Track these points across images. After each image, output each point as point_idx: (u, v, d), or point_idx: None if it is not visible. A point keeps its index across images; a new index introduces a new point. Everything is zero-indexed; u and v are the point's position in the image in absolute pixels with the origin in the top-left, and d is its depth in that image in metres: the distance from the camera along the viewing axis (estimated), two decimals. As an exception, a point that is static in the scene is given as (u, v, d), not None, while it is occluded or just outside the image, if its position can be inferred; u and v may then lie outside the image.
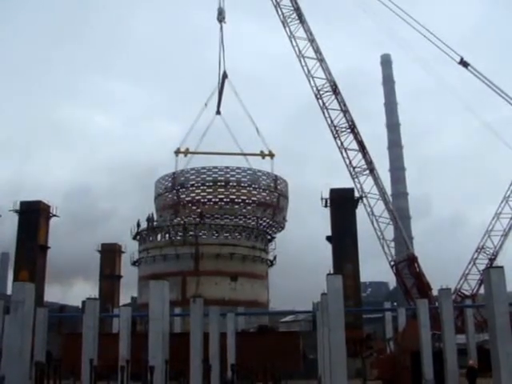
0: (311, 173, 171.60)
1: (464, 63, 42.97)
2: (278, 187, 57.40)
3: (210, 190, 54.73)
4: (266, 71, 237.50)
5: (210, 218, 53.38)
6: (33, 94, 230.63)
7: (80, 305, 60.87)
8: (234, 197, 54.63)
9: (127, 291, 70.24)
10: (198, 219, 53.31)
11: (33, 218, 47.88)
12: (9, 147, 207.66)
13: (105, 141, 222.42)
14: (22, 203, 48.53)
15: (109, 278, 61.69)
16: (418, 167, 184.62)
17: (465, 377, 22.36)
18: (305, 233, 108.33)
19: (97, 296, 28.40)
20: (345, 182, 46.16)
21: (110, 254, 62.63)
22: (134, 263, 54.68)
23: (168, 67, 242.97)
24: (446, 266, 69.96)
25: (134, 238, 54.73)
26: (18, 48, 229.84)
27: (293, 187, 60.96)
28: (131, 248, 56.74)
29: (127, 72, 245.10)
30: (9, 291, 64.46)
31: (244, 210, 55.18)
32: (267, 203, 56.08)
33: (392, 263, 45.14)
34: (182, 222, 54.21)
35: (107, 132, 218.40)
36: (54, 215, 50.72)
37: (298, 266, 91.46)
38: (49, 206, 50.08)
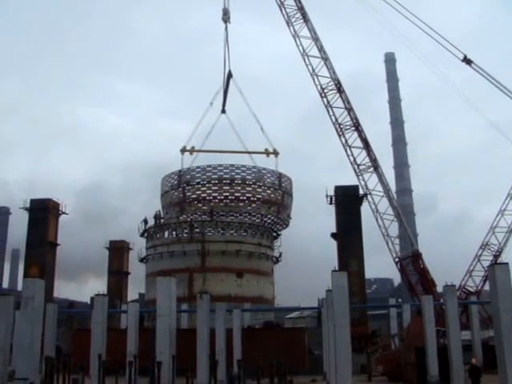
0: (317, 171, 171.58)
1: (467, 60, 42.91)
2: (283, 185, 57.63)
3: (216, 188, 55.04)
4: (272, 71, 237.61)
5: (216, 216, 53.76)
6: (44, 94, 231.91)
7: (89, 301, 61.58)
8: (239, 194, 54.91)
9: (135, 287, 70.87)
10: (206, 216, 53.79)
11: (42, 215, 48.40)
12: (24, 147, 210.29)
13: (116, 140, 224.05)
14: (32, 201, 49.06)
15: (117, 274, 62.18)
16: (424, 165, 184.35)
17: (467, 375, 21.89)
18: (310, 230, 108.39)
19: (105, 292, 28.75)
20: (350, 180, 46.35)
21: (118, 250, 63.12)
22: (141, 260, 55.18)
23: (177, 67, 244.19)
24: (451, 262, 69.95)
25: (142, 236, 55.24)
26: (30, 49, 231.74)
27: (299, 185, 61.18)
28: (139, 245, 57.30)
29: (136, 72, 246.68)
30: (19, 287, 65.24)
31: (249, 208, 55.46)
32: (272, 201, 56.33)
33: (396, 260, 45.27)
34: (188, 219, 54.64)
35: (118, 131, 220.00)
36: (64, 213, 51.23)
37: (304, 262, 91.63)
38: (58, 204, 50.59)
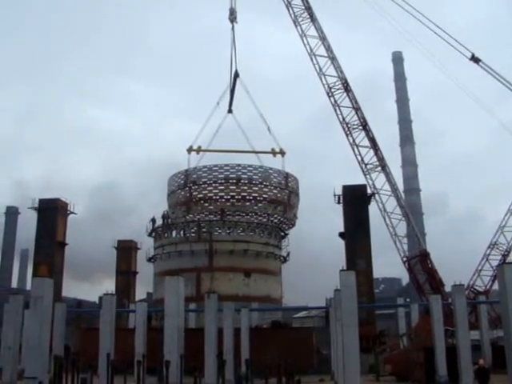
0: (325, 170, 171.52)
1: (475, 59, 42.51)
2: (289, 184, 57.53)
3: (222, 188, 55.06)
4: (281, 71, 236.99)
5: (222, 215, 53.82)
6: (56, 96, 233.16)
7: (97, 300, 61.91)
8: (245, 194, 54.83)
9: (143, 287, 71.01)
10: (213, 216, 53.86)
11: (51, 215, 48.54)
12: (39, 149, 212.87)
13: (127, 141, 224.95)
14: (41, 201, 49.11)
15: (125, 273, 62.38)
16: (434, 164, 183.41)
17: (474, 377, 21.01)
18: (318, 229, 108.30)
19: (113, 292, 28.83)
20: (358, 179, 46.17)
21: (125, 250, 63.29)
22: (149, 259, 55.31)
23: (185, 67, 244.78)
24: (459, 262, 69.61)
25: (150, 235, 55.39)
26: (40, 52, 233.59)
27: (307, 185, 61.06)
28: (147, 244, 57.39)
29: (147, 73, 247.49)
30: (28, 287, 65.61)
31: (255, 207, 55.44)
32: (278, 200, 56.25)
33: (404, 259, 45.09)
34: (196, 218, 54.74)
35: (129, 132, 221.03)
36: (72, 212, 51.34)
37: (312, 262, 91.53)
38: (67, 204, 50.77)
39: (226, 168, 55.63)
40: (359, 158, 45.32)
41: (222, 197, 54.83)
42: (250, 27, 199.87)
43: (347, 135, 45.52)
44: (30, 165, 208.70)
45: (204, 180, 55.53)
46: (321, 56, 45.93)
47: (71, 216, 51.65)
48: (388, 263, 72.23)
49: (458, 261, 72.46)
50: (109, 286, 71.87)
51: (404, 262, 45.15)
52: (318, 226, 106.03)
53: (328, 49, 46.01)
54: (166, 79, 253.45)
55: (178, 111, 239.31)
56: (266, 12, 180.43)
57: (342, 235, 44.16)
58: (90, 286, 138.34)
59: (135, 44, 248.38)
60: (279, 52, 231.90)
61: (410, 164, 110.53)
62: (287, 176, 57.46)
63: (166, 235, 54.02)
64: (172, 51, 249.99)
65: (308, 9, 46.53)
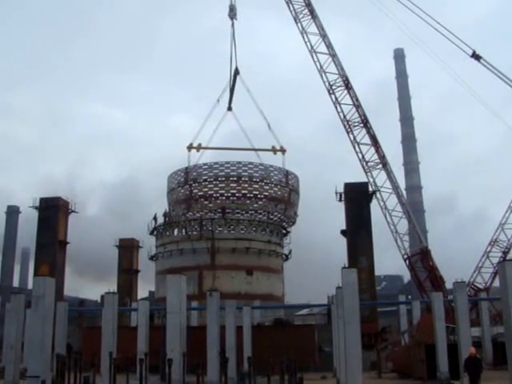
0: (327, 169, 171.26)
1: (476, 56, 42.43)
2: (290, 182, 57.56)
3: (223, 185, 55.10)
4: (286, 69, 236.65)
5: (223, 213, 53.84)
6: (68, 99, 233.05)
7: (99, 299, 62.04)
8: (246, 192, 54.92)
9: (145, 285, 71.07)
10: (213, 214, 53.87)
11: (52, 214, 48.53)
12: (56, 151, 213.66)
13: (144, 142, 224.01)
14: (42, 200, 49.11)
15: (126, 272, 62.42)
16: (439, 164, 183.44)
17: (464, 371, 18.60)
18: (320, 227, 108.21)
19: (115, 290, 28.85)
20: (359, 177, 46.16)
21: (127, 249, 63.28)
22: (151, 258, 55.35)
23: (190, 66, 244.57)
24: (461, 259, 69.72)
25: (151, 233, 55.39)
26: (55, 56, 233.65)
27: (309, 183, 60.85)
28: (150, 242, 57.37)
29: (159, 74, 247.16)
30: (29, 286, 65.75)
31: (256, 205, 55.50)
32: (278, 198, 56.30)
33: (405, 256, 45.16)
34: (198, 216, 54.78)
35: (146, 133, 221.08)
36: (73, 211, 51.37)
37: (314, 259, 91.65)
38: (68, 202, 50.76)
39: (226, 166, 55.68)
40: (360, 156, 45.40)
41: (222, 194, 54.88)
42: (258, 26, 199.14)
43: (348, 133, 45.58)
44: (44, 167, 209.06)
45: (204, 178, 55.57)
46: (321, 53, 45.96)
47: (80, 216, 51.87)
48: (390, 260, 72.43)
49: (460, 258, 72.61)
50: (111, 284, 71.93)
51: (405, 260, 45.22)
52: (320, 224, 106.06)
53: (329, 46, 46.05)
54: (181, 80, 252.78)
55: (190, 113, 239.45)
56: (272, 11, 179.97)
57: (343, 233, 44.21)
58: (99, 285, 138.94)
59: (146, 46, 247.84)
60: (284, 51, 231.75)
61: (411, 161, 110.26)
62: (287, 174, 57.46)
63: (167, 233, 54.05)
64: (185, 53, 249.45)
65: (308, 5, 46.52)
